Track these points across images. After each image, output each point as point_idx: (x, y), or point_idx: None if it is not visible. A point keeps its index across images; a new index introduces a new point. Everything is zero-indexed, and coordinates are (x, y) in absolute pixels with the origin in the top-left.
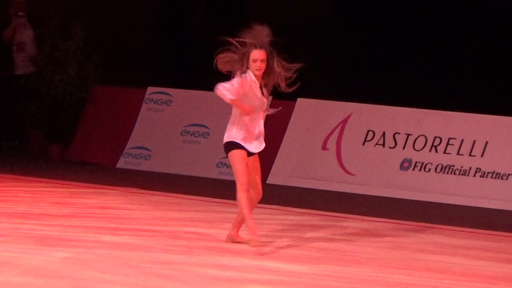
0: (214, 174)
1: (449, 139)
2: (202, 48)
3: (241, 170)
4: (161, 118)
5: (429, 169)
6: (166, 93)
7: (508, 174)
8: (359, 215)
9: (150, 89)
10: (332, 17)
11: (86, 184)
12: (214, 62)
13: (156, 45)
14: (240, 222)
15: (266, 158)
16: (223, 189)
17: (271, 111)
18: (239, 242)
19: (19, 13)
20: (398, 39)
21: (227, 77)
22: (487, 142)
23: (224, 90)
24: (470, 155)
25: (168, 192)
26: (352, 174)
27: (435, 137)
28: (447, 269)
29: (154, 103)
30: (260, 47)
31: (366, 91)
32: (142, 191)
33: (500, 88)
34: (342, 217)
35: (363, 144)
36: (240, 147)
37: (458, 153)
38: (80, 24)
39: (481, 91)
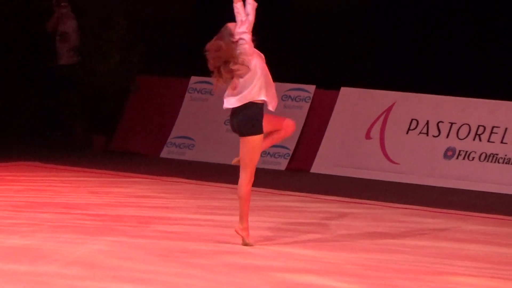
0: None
1: (493, 127)
2: None
3: (258, 160)
4: (204, 107)
5: (473, 158)
6: (210, 83)
7: None
8: (402, 203)
9: (193, 79)
10: (375, 4)
11: (129, 174)
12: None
13: (198, 35)
14: (246, 214)
15: (310, 148)
16: (265, 178)
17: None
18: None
19: (62, 3)
20: (442, 27)
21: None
22: None
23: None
24: None
25: (211, 181)
26: (396, 163)
27: (479, 126)
28: (490, 258)
29: (198, 92)
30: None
31: (410, 80)
32: (186, 180)
33: None
34: (385, 206)
35: (407, 133)
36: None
37: (502, 142)
38: (122, 15)
39: None
